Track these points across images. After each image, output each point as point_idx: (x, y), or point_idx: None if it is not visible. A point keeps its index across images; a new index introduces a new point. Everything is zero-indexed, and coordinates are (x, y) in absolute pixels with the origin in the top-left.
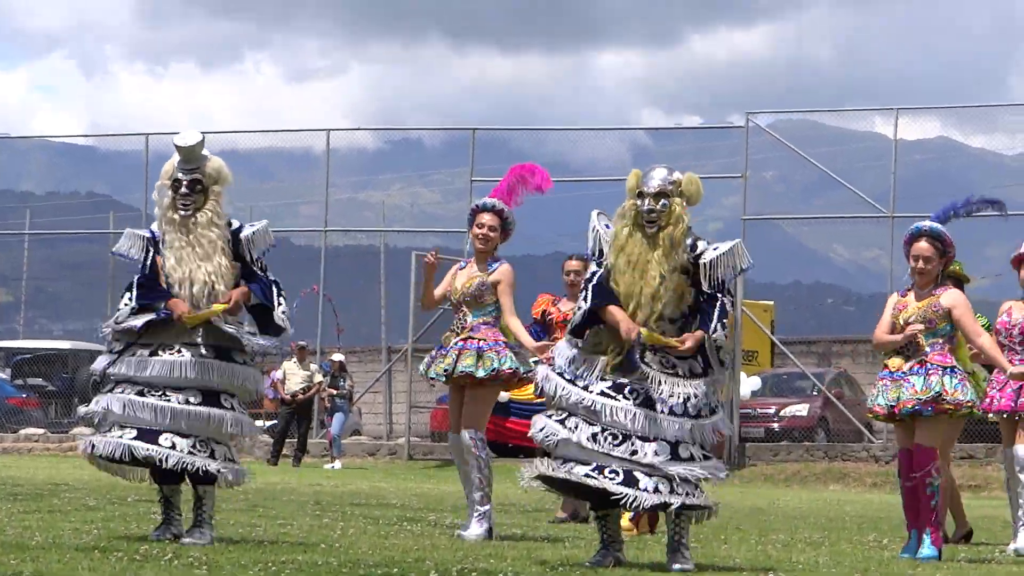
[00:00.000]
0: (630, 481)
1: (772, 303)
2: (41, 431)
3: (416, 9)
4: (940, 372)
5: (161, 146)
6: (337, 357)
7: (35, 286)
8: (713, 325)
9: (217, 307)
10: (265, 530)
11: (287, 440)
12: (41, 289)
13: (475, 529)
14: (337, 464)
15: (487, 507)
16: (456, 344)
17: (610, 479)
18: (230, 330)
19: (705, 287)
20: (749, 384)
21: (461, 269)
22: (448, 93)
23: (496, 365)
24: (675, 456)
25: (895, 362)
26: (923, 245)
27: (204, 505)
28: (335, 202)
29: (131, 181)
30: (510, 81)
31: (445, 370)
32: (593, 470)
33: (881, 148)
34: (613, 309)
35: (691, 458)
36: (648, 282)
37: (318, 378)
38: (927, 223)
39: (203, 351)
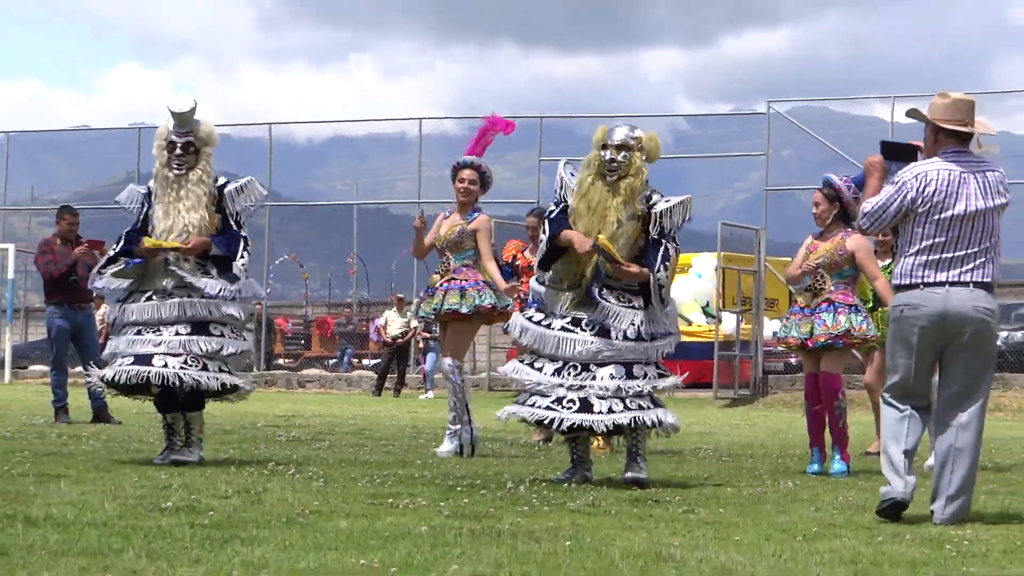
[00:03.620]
0: (586, 407)
1: (790, 259)
2: None
3: (490, 17)
4: (847, 310)
5: (282, 133)
6: None
7: None
8: (657, 266)
9: (173, 243)
10: (371, 450)
11: (389, 376)
12: None
13: (446, 446)
14: (430, 395)
15: (458, 427)
16: (441, 285)
17: (568, 409)
18: (184, 274)
19: (653, 233)
20: (771, 326)
21: (446, 218)
22: (517, 87)
23: (477, 302)
24: (629, 375)
25: (804, 299)
26: (816, 194)
27: (192, 428)
28: (426, 179)
29: (257, 161)
30: (569, 77)
31: (434, 309)
32: (553, 402)
33: (881, 131)
34: (568, 232)
35: (645, 376)
36: (606, 226)
37: (414, 323)
38: (830, 175)
39: (188, 293)
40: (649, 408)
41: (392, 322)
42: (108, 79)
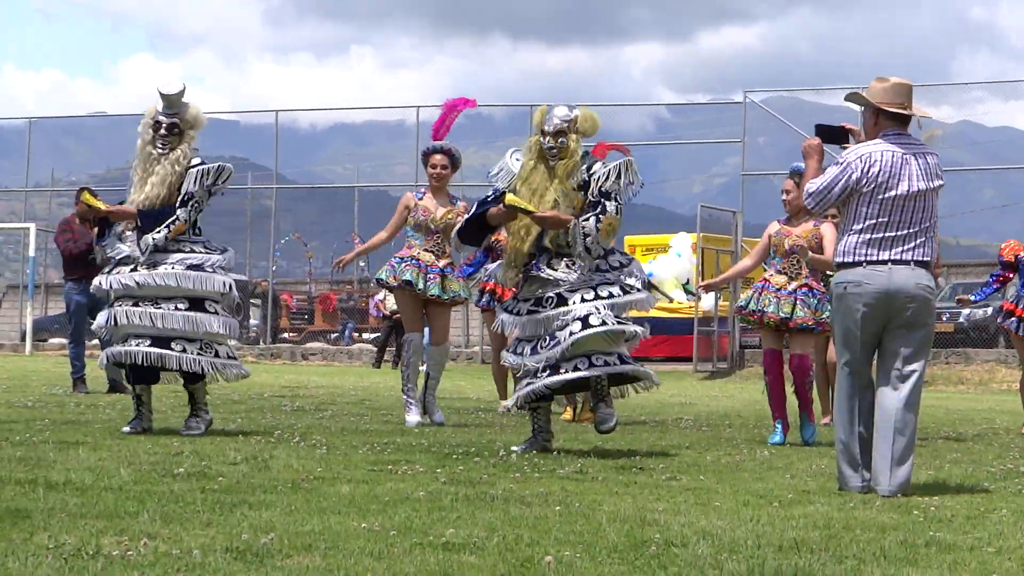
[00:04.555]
0: (553, 372)
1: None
2: None
3: (482, 14)
4: (824, 297)
5: (287, 120)
6: None
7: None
8: (587, 216)
9: (99, 203)
10: (371, 419)
11: (388, 348)
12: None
13: (438, 415)
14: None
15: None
16: (444, 268)
17: (539, 378)
18: (126, 246)
19: (591, 196)
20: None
21: (420, 199)
22: (510, 79)
23: (470, 292)
24: (586, 325)
25: (779, 279)
26: (787, 182)
27: (196, 398)
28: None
29: (263, 147)
30: (559, 70)
31: (450, 295)
32: (532, 376)
33: (849, 118)
34: (491, 210)
35: (603, 324)
36: (544, 204)
37: None
38: (800, 164)
39: (175, 266)
40: (615, 364)
41: (390, 298)
42: (124, 69)
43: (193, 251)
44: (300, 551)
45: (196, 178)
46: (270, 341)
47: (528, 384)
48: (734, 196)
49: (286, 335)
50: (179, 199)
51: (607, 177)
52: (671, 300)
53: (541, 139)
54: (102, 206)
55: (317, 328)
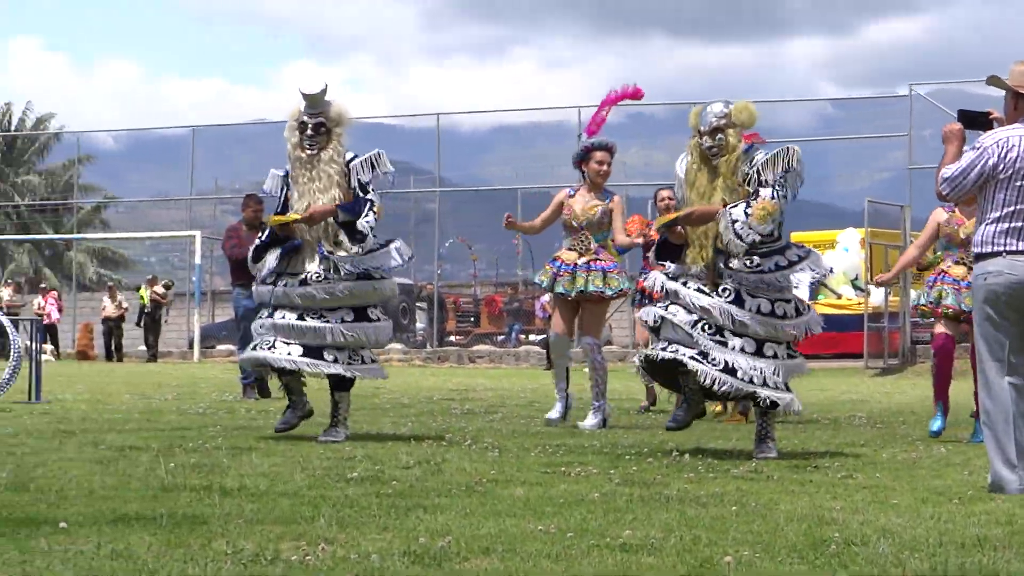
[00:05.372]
0: (729, 371)
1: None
2: None
3: (641, 11)
4: None
5: (448, 124)
6: None
7: None
8: (740, 207)
9: (293, 215)
10: (542, 421)
11: None
12: None
13: (591, 420)
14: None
15: (602, 402)
16: (584, 264)
17: (712, 365)
18: (311, 259)
19: (750, 188)
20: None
21: (571, 196)
22: (669, 78)
23: (620, 286)
24: (759, 353)
25: (958, 270)
26: None
27: (339, 408)
28: None
29: (425, 150)
30: (719, 66)
31: (580, 290)
32: (698, 354)
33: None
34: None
35: (775, 356)
36: (714, 206)
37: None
38: None
39: (341, 274)
40: (781, 390)
41: None
42: (284, 75)
43: (371, 252)
44: (477, 554)
45: (363, 167)
46: (437, 344)
47: (692, 359)
48: (900, 190)
49: (453, 338)
50: (358, 189)
51: (764, 164)
52: (839, 297)
53: (699, 140)
54: (296, 216)
55: (483, 330)
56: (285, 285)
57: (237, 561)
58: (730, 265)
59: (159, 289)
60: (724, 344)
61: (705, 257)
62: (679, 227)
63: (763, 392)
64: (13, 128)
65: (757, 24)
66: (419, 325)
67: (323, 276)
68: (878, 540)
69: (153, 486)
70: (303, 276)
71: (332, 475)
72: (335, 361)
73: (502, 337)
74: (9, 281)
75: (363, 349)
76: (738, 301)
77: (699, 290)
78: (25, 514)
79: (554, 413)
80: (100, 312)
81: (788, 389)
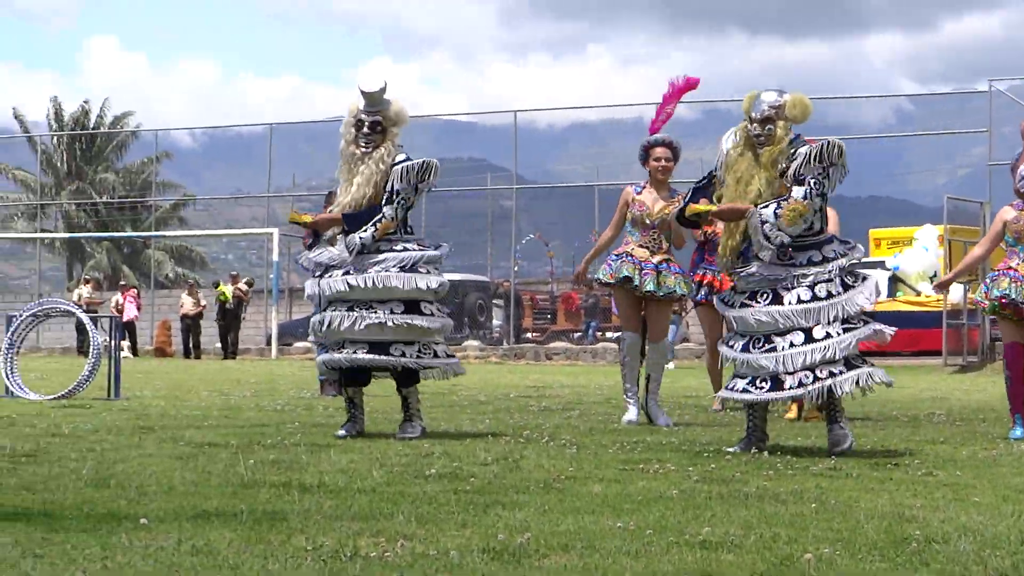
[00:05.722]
0: (776, 386)
1: None
2: None
3: (718, 8)
4: None
5: (525, 121)
6: None
7: (430, 231)
8: (771, 207)
9: (305, 217)
10: (619, 418)
11: None
12: (435, 234)
13: (662, 419)
14: (671, 365)
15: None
16: (660, 264)
17: (760, 389)
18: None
19: (787, 183)
20: None
21: (639, 193)
22: (746, 74)
23: (686, 291)
24: (809, 339)
25: None
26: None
27: (410, 402)
28: None
29: (502, 148)
30: (796, 62)
31: (667, 292)
32: (748, 383)
33: None
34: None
35: (827, 336)
36: (748, 193)
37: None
38: None
39: (388, 268)
40: (842, 372)
41: None
42: (360, 73)
43: (406, 249)
44: (557, 551)
45: (401, 174)
46: (513, 341)
47: (744, 391)
48: (980, 187)
49: (529, 335)
50: (385, 197)
51: (805, 160)
52: (918, 293)
53: (748, 126)
54: (307, 218)
55: (560, 327)
56: (331, 277)
57: (317, 557)
58: (760, 256)
59: (242, 286)
60: (772, 348)
61: (734, 246)
62: (697, 221)
63: (815, 387)
64: (91, 126)
65: (835, 20)
66: (496, 322)
67: (364, 267)
68: (959, 538)
69: (233, 482)
70: (346, 269)
71: (410, 472)
72: (402, 355)
73: (578, 334)
74: (88, 278)
75: (436, 344)
76: (776, 300)
77: (743, 304)
78: (106, 510)
79: (631, 415)
80: (178, 309)
81: (854, 365)
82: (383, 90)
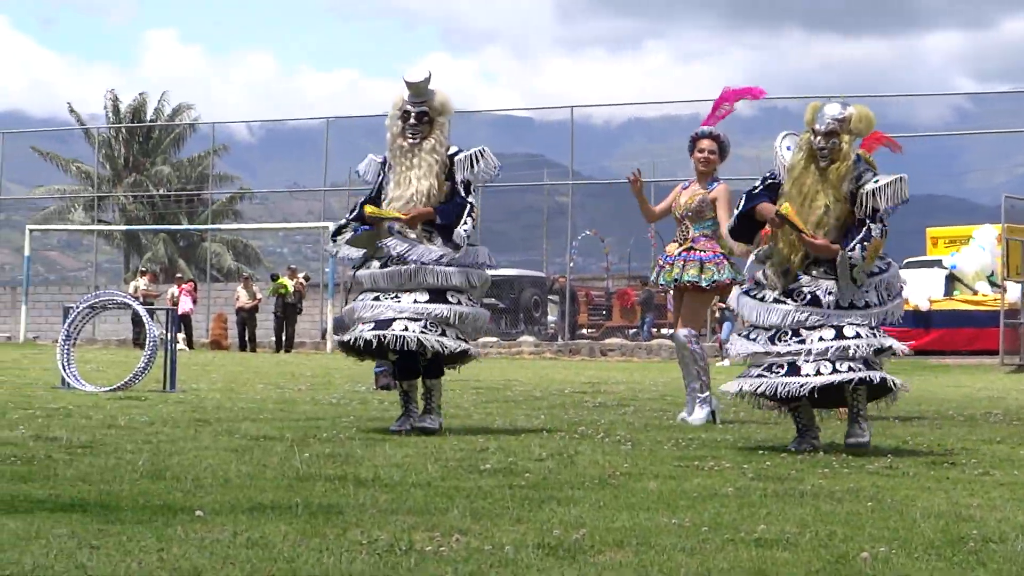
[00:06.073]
0: (792, 371)
1: None
2: (494, 339)
3: (776, 4)
4: None
5: (582, 117)
6: None
7: (486, 227)
8: (852, 244)
9: (394, 212)
10: (674, 415)
11: None
12: (491, 229)
13: (698, 414)
14: (726, 362)
15: (707, 394)
16: (680, 255)
17: (775, 375)
18: (398, 242)
19: (858, 214)
20: None
21: (685, 188)
22: (805, 70)
23: (716, 276)
24: (839, 335)
25: None
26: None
27: (432, 395)
28: None
29: (559, 143)
30: (854, 60)
31: (674, 279)
32: (764, 369)
33: None
34: (762, 204)
35: (857, 336)
36: (814, 210)
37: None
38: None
39: (423, 261)
40: (860, 370)
41: None
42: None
43: (435, 243)
44: (612, 547)
45: (468, 164)
46: (568, 337)
47: (759, 376)
48: None
49: (584, 331)
50: (460, 187)
51: (878, 196)
52: (975, 292)
53: (812, 138)
54: (394, 213)
55: (615, 324)
56: (371, 268)
57: (372, 551)
58: (810, 272)
59: (302, 280)
60: (801, 340)
61: (795, 262)
62: (763, 211)
63: (835, 377)
64: (149, 119)
65: (893, 18)
66: (551, 318)
67: (405, 257)
68: (1016, 538)
69: (288, 475)
70: (385, 259)
71: (465, 466)
72: (405, 330)
73: (634, 330)
74: (144, 270)
75: (445, 326)
76: (814, 301)
77: (776, 300)
78: (162, 502)
79: (695, 414)
80: (233, 302)
81: (873, 368)
82: (428, 80)
